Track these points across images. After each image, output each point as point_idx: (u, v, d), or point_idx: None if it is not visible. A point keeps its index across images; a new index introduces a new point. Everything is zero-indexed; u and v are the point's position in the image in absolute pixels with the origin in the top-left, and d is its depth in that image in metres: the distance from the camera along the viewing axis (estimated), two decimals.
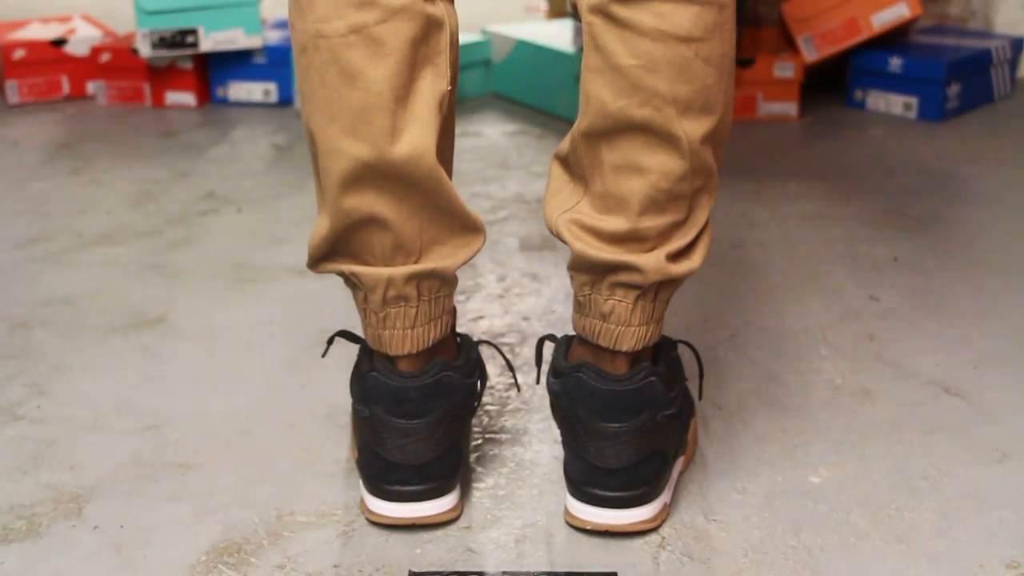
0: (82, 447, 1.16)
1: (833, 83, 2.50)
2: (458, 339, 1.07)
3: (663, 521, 1.01)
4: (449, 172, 1.01)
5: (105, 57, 2.50)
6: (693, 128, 0.91)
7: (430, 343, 0.99)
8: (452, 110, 0.99)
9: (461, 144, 2.19)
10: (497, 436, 1.17)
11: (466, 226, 0.99)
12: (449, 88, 0.94)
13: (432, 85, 0.93)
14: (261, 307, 1.49)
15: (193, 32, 2.41)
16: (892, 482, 1.08)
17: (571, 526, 1.01)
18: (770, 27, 2.59)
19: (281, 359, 1.34)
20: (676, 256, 0.96)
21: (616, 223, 0.94)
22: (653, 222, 0.94)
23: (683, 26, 0.89)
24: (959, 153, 2.09)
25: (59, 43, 2.56)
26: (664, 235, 0.95)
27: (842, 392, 1.25)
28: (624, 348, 0.97)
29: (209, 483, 1.09)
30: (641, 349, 0.98)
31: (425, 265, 0.97)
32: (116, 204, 1.89)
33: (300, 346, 1.37)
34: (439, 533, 1.01)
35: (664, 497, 1.01)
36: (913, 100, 2.31)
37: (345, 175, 0.92)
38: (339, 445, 1.15)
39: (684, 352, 1.20)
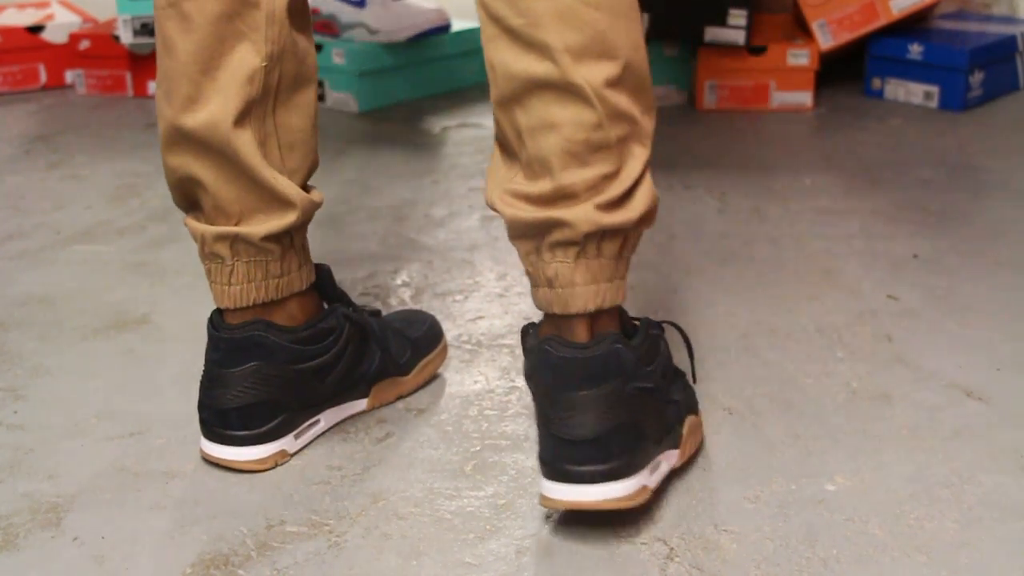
0: (61, 454, 1.16)
1: (850, 71, 2.50)
2: (329, 307, 1.18)
3: (644, 503, 1.02)
4: (308, 153, 1.12)
5: (84, 44, 2.50)
6: (593, 74, 0.95)
7: (251, 303, 1.11)
8: (304, 89, 1.09)
9: (460, 136, 2.19)
10: (497, 442, 1.17)
11: (275, 199, 1.09)
12: (264, 64, 1.04)
13: (243, 60, 1.04)
14: None
15: None
16: (912, 490, 1.08)
17: (547, 509, 1.03)
18: (784, 13, 2.59)
19: None
20: (608, 206, 0.98)
21: (543, 185, 0.98)
22: (578, 176, 0.97)
23: None
24: (982, 145, 2.09)
25: (36, 30, 2.56)
26: (594, 188, 0.97)
27: (859, 396, 1.25)
28: (573, 310, 1.00)
29: (195, 492, 1.10)
30: (597, 312, 1.01)
31: (231, 228, 1.09)
32: (96, 199, 1.89)
33: None
34: (435, 545, 1.01)
35: (644, 479, 1.02)
36: (934, 89, 2.31)
37: (163, 136, 1.08)
38: (331, 452, 1.16)
39: (681, 352, 1.20)
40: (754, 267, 1.58)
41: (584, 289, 0.99)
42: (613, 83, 0.95)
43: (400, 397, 1.25)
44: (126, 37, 2.41)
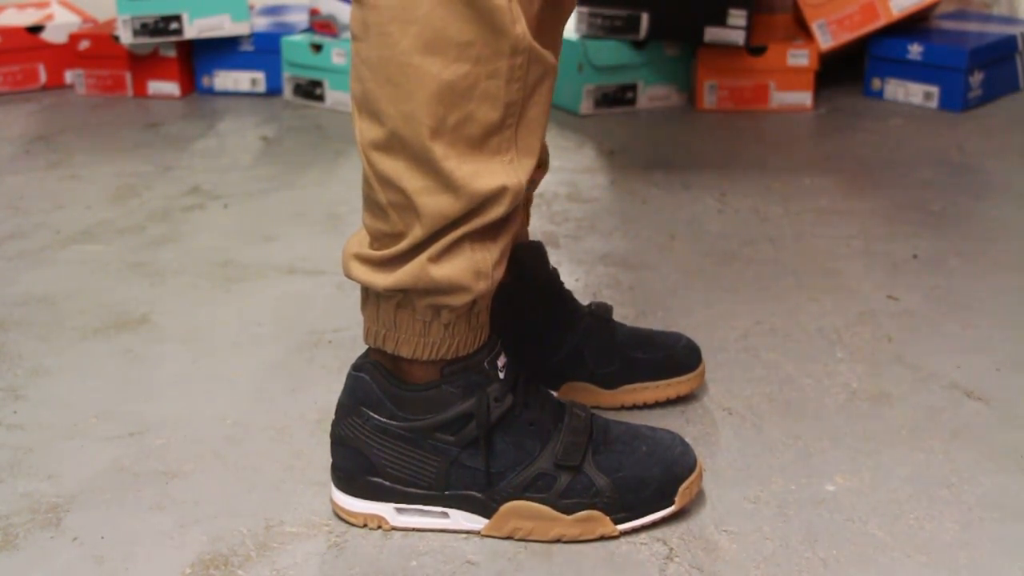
0: (61, 454, 1.16)
1: (850, 71, 2.50)
2: None
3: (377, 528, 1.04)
4: None
5: (84, 44, 2.50)
6: (364, 131, 0.93)
7: None
8: None
9: None
10: None
11: None
12: None
13: None
14: (249, 307, 1.49)
15: (177, 18, 2.42)
16: (911, 491, 1.08)
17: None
18: (784, 13, 2.59)
19: (270, 362, 1.34)
20: (369, 262, 0.97)
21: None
22: (368, 220, 0.97)
23: (352, 24, 0.92)
24: (982, 145, 2.09)
25: (36, 30, 2.56)
26: (377, 240, 0.97)
27: (859, 396, 1.25)
28: (365, 339, 1.02)
29: (194, 492, 1.10)
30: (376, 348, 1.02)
31: None
32: (96, 199, 1.89)
33: (290, 348, 1.37)
34: (436, 544, 1.01)
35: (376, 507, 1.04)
36: (934, 89, 2.31)
37: None
38: (330, 451, 1.16)
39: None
40: (754, 267, 1.58)
41: (368, 324, 1.01)
42: (380, 146, 0.92)
43: (598, 407, 1.20)
44: (126, 37, 2.41)
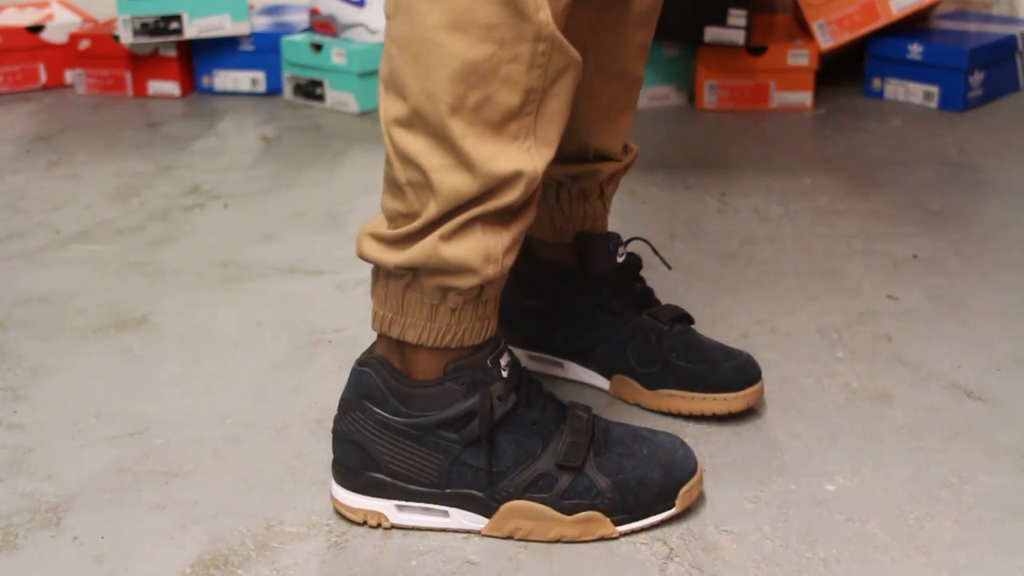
0: (61, 454, 1.16)
1: (850, 71, 2.50)
2: None
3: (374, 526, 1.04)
4: None
5: (84, 44, 2.50)
6: (388, 108, 0.95)
7: None
8: None
9: None
10: None
11: None
12: None
13: None
14: (249, 307, 1.49)
15: (177, 18, 2.42)
16: (911, 490, 1.08)
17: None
18: (784, 13, 2.59)
19: (270, 361, 1.34)
20: (383, 240, 0.98)
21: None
22: (386, 201, 0.98)
23: (385, 4, 0.95)
24: (982, 145, 2.09)
25: (36, 29, 2.56)
26: (393, 220, 0.98)
27: (859, 396, 1.25)
28: (374, 327, 1.03)
29: (194, 492, 1.10)
30: (384, 336, 1.03)
31: None
32: (96, 199, 1.89)
33: (290, 347, 1.37)
34: (436, 544, 1.01)
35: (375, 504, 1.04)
36: (934, 89, 2.31)
37: None
38: (330, 451, 1.16)
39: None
40: (754, 267, 1.58)
41: (376, 309, 1.02)
42: (402, 123, 0.94)
43: (639, 405, 1.22)
44: (126, 37, 2.41)
